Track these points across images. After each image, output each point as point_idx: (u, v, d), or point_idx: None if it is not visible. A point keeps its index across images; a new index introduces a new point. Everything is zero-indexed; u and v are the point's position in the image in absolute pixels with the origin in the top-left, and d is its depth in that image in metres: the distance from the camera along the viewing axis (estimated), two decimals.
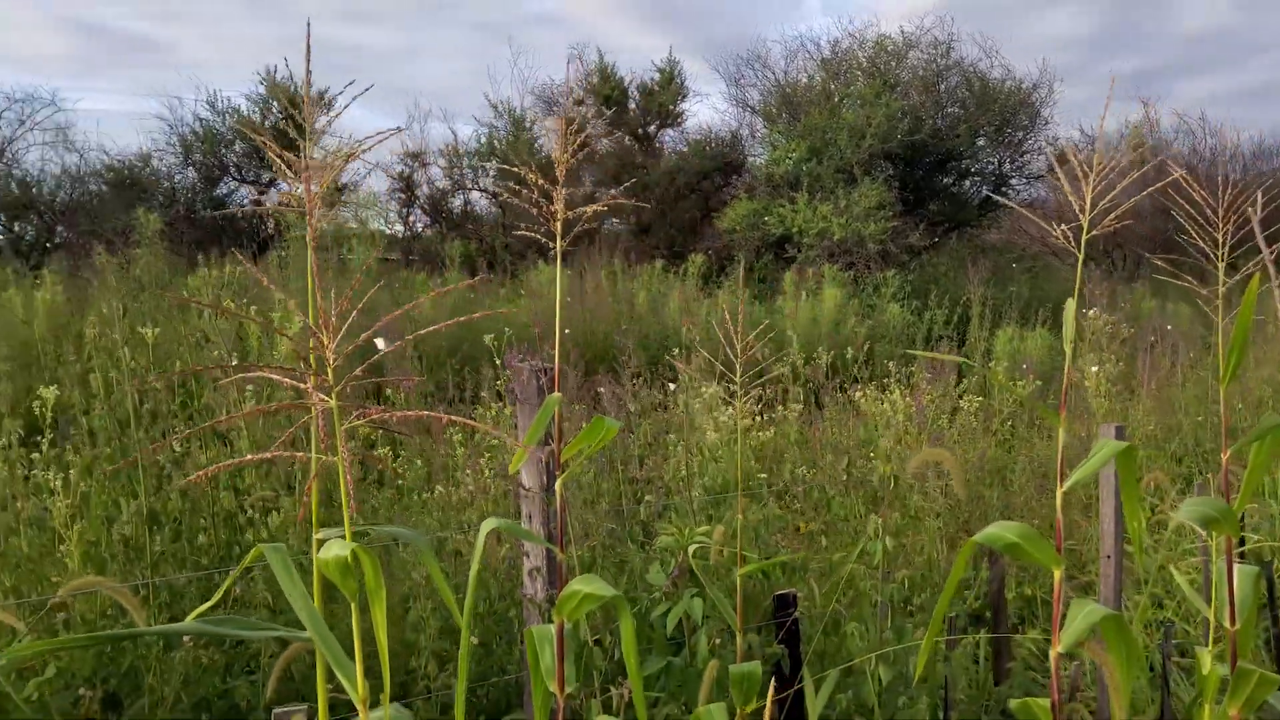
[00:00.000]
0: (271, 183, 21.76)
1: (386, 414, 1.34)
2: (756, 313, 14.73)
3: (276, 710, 2.54)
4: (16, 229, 20.88)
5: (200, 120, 21.55)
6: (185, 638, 2.56)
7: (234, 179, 22.09)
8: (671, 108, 19.51)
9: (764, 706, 2.95)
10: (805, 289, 14.47)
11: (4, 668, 2.32)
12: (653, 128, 19.89)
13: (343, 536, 1.51)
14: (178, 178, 21.86)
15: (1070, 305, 2.03)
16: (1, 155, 20.21)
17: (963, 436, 6.75)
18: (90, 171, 21.18)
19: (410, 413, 1.35)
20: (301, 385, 1.32)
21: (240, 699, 2.53)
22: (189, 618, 1.73)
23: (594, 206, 1.93)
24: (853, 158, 16.60)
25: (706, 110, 49.97)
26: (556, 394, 1.93)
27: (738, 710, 2.68)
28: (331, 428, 1.31)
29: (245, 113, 21.34)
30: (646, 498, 3.49)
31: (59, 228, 20.55)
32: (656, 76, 19.51)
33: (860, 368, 9.40)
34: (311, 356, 1.34)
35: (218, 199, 21.66)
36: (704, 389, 7.10)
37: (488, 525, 1.88)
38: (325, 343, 1.33)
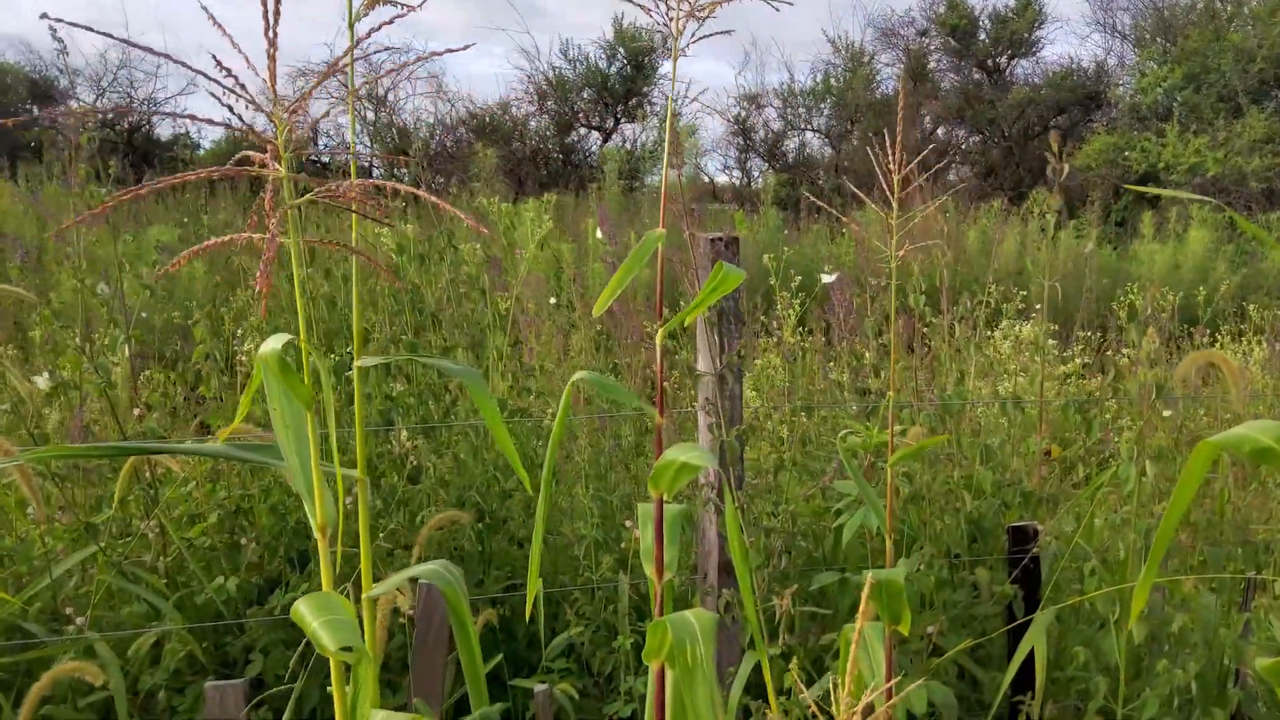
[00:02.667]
0: (615, 128, 22.47)
1: (343, 186, 1.13)
2: (1105, 256, 13.30)
3: (420, 582, 2.47)
4: (396, 174, 22.99)
5: (554, 69, 22.57)
6: (348, 501, 2.53)
7: (583, 125, 23.04)
8: (1026, 36, 17.98)
9: (972, 644, 2.52)
10: (1168, 231, 12.87)
11: (169, 513, 2.41)
12: (1003, 59, 18.45)
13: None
14: (533, 124, 23.05)
15: None
16: (384, 103, 22.22)
17: None
18: (459, 120, 22.86)
19: (371, 180, 1.13)
20: (258, 156, 1.13)
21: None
22: (220, 438, 1.64)
23: None
24: (1238, 84, 14.51)
25: (1065, 38, 45.69)
26: (659, 230, 1.64)
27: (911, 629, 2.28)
28: (279, 201, 1.12)
29: (593, 60, 22.13)
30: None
31: (431, 172, 22.25)
32: (1011, 3, 18.03)
33: (1231, 321, 8.22)
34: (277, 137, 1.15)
35: (569, 145, 22.72)
36: (1020, 328, 6.45)
37: (576, 377, 1.64)
38: (274, 98, 1.13)
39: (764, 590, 2.24)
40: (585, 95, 22.38)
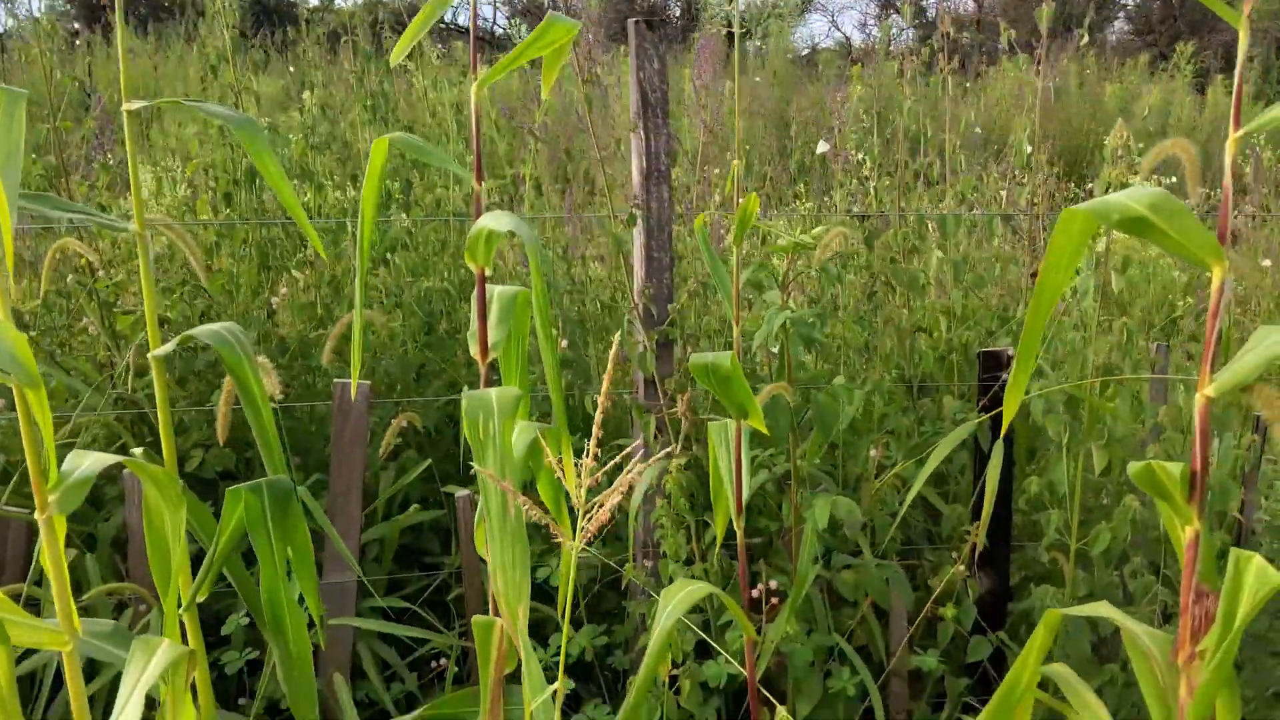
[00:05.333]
0: None
1: None
2: (1254, 115, 12.14)
3: (335, 381, 2.44)
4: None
5: None
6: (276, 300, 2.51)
7: None
8: None
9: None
10: None
11: (103, 304, 2.43)
12: None
13: None
14: None
15: None
16: None
17: None
18: None
19: None
20: None
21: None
22: None
23: None
24: None
25: None
26: None
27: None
28: None
29: None
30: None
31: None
32: None
33: None
34: None
35: None
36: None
37: (389, 136, 1.52)
38: None
39: (684, 405, 2.12)
40: None
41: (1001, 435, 2.42)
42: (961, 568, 2.16)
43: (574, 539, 1.22)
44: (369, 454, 2.45)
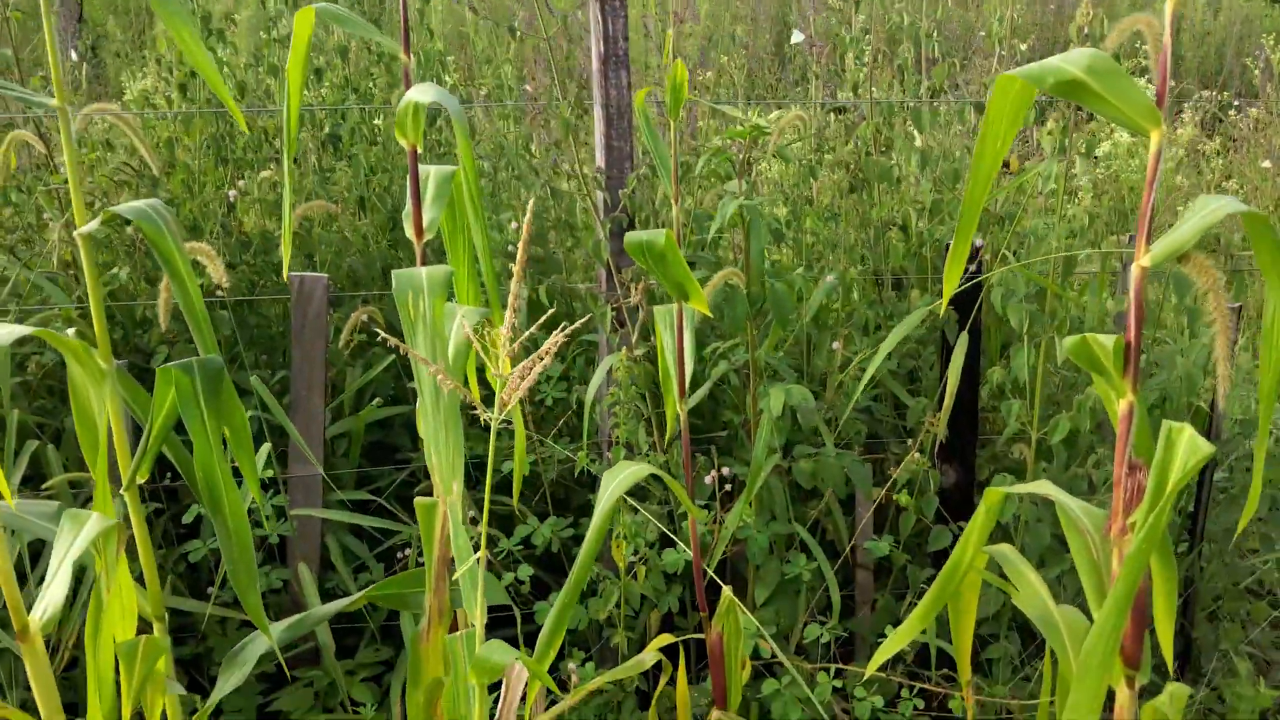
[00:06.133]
0: None
1: None
2: (1257, 9, 11.84)
3: (292, 274, 2.43)
4: None
5: None
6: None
7: None
8: None
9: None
10: None
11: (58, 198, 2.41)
12: None
13: None
14: None
15: None
16: None
17: None
18: None
19: None
20: None
21: None
22: None
23: None
24: None
25: None
26: None
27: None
28: None
29: None
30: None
31: None
32: None
33: None
34: None
35: None
36: None
37: (316, 6, 1.47)
38: None
39: (638, 293, 2.10)
40: None
41: (943, 313, 2.41)
42: (918, 455, 2.16)
43: (495, 411, 1.22)
44: (333, 349, 2.44)
